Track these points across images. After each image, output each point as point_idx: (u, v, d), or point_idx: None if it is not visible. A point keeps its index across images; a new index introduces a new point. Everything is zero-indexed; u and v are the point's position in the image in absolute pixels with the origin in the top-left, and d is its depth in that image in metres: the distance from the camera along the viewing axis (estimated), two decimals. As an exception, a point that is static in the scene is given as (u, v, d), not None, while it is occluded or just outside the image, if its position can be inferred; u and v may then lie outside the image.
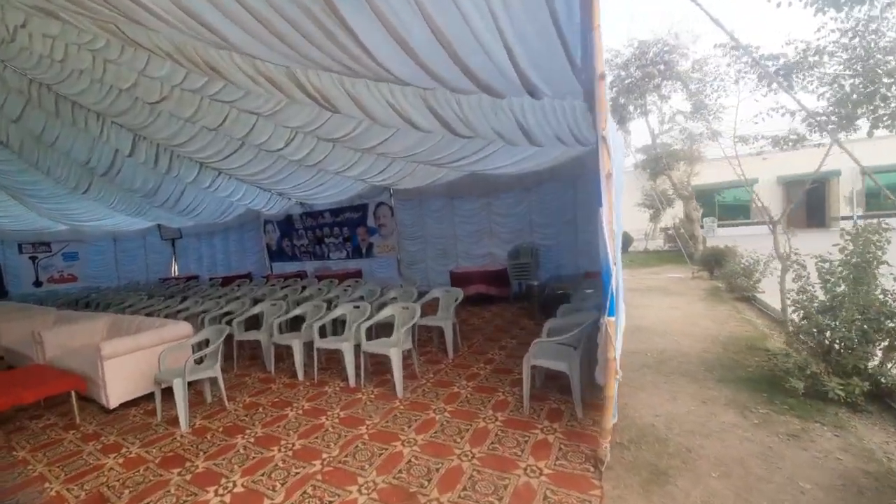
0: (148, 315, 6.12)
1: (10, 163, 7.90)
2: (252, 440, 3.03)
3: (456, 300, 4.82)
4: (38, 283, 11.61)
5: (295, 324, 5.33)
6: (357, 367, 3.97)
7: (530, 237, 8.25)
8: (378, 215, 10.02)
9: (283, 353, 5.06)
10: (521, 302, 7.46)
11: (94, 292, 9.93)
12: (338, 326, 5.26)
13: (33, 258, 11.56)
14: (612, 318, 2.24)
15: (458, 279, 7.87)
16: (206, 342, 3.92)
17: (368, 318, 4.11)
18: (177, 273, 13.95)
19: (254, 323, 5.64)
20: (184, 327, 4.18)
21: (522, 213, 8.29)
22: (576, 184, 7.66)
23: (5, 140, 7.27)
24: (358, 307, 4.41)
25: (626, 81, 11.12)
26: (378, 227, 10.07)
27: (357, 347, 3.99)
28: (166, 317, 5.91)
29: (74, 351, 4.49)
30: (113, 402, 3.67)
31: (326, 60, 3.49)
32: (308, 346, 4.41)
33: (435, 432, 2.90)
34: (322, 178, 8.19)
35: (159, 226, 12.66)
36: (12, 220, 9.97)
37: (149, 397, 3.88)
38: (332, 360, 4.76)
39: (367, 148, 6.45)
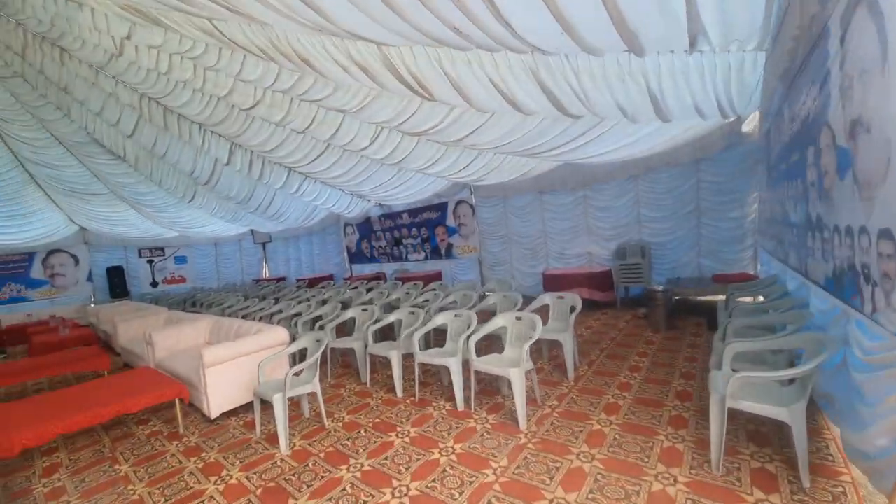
0: (244, 317, 6.19)
1: (129, 175, 8.69)
2: (358, 475, 2.55)
3: (573, 310, 4.02)
4: (154, 284, 12.97)
5: (385, 330, 4.93)
6: (466, 388, 3.38)
7: (638, 234, 7.11)
8: (458, 214, 9.51)
9: (377, 363, 4.68)
10: (631, 309, 6.39)
11: (199, 292, 10.75)
12: (430, 336, 4.75)
13: (150, 261, 12.94)
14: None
15: (553, 282, 7.01)
16: (303, 351, 3.61)
17: (475, 331, 3.49)
18: (267, 274, 14.82)
19: (342, 327, 5.38)
20: (280, 333, 3.93)
21: (627, 206, 7.18)
22: (700, 167, 6.38)
23: (123, 154, 7.96)
24: (460, 316, 3.83)
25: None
26: (458, 227, 9.56)
27: (464, 364, 3.41)
28: (260, 319, 5.90)
29: (180, 353, 4.51)
30: (214, 412, 3.49)
31: (435, 26, 2.95)
32: (405, 358, 3.94)
33: (591, 492, 2.17)
34: (403, 176, 7.88)
35: (252, 231, 13.51)
36: (132, 227, 11.16)
37: (247, 407, 3.68)
38: (428, 374, 4.24)
39: (455, 140, 5.91)
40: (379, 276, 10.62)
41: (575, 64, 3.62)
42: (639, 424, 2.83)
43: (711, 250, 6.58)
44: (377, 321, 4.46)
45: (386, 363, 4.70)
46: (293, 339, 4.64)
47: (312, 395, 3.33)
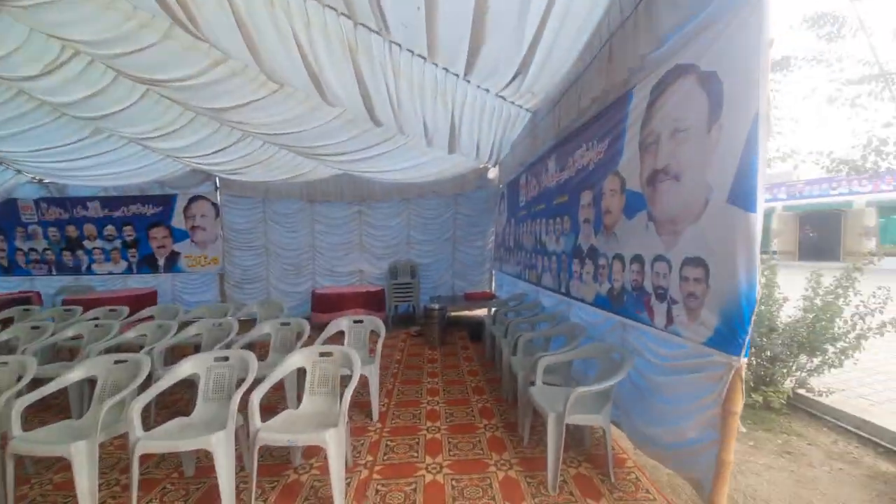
0: None
1: None
2: None
3: (375, 335, 3.48)
4: None
5: (48, 400, 2.79)
6: (243, 470, 2.17)
7: (407, 254, 7.37)
8: (191, 213, 7.12)
9: (28, 467, 2.49)
10: (401, 327, 6.43)
11: None
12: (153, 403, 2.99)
13: None
14: (746, 361, 1.68)
15: (324, 302, 6.20)
16: None
17: (255, 383, 2.35)
18: None
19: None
20: None
21: (399, 227, 7.36)
22: (458, 201, 7.31)
23: None
24: (227, 358, 2.52)
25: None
26: (191, 231, 7.13)
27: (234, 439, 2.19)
28: None
29: None
30: None
31: None
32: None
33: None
34: (104, 143, 5.19)
35: None
36: None
37: None
38: (152, 463, 2.59)
39: (212, 109, 4.31)
40: (27, 299, 6.43)
41: (397, 61, 3.22)
42: (466, 460, 2.55)
43: (461, 272, 7.61)
44: (35, 385, 2.38)
45: (50, 464, 2.59)
46: None
47: None
